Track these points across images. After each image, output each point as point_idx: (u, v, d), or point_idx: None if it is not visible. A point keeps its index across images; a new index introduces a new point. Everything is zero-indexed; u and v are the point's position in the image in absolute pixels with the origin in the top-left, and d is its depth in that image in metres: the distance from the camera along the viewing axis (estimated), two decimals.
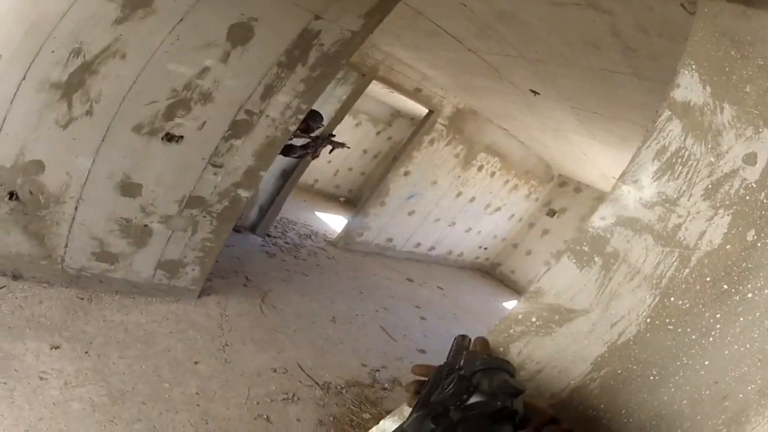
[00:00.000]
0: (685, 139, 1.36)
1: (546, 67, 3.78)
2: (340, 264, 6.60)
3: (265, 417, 2.85)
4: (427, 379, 1.01)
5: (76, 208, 2.93)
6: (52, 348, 2.56)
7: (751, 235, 1.22)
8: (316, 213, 9.07)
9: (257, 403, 2.95)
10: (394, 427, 1.68)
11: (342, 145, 5.66)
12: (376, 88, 6.49)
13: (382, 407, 3.58)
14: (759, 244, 1.21)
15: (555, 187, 10.23)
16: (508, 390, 0.80)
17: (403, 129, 11.39)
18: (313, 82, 3.40)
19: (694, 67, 1.42)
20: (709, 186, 1.29)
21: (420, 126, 7.22)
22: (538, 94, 4.70)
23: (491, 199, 9.30)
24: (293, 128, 3.60)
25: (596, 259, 1.42)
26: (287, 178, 5.78)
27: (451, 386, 0.83)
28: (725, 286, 1.23)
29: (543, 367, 1.42)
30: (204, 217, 3.51)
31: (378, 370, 4.13)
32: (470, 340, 1.24)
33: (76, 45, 2.39)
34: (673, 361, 1.24)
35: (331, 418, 3.15)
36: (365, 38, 3.41)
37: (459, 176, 8.28)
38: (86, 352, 2.65)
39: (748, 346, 1.17)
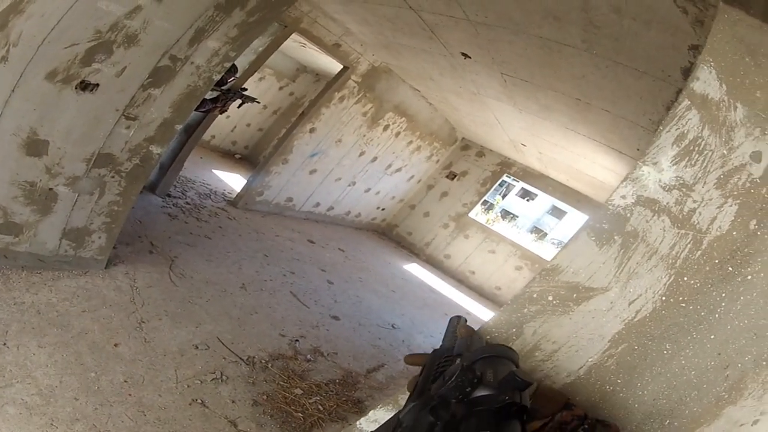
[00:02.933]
0: (702, 129, 1.52)
1: (489, 31, 3.89)
2: (241, 225, 6.50)
3: (200, 402, 2.81)
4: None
5: None
6: None
7: (753, 224, 1.43)
8: (213, 171, 8.72)
9: (188, 386, 2.90)
10: (388, 416, 1.72)
11: (253, 100, 5.36)
12: (287, 42, 6.22)
13: (311, 380, 3.69)
14: (759, 233, 1.42)
15: (457, 150, 10.76)
16: (516, 383, 0.76)
17: (307, 85, 11.07)
18: (248, 28, 3.18)
19: (712, 64, 1.58)
20: (721, 176, 1.47)
21: (332, 82, 7.08)
22: (469, 57, 4.84)
23: (393, 160, 9.51)
24: (217, 78, 3.38)
25: (616, 237, 1.55)
26: (191, 133, 5.34)
27: (453, 378, 0.80)
28: (730, 268, 1.43)
29: (560, 346, 1.53)
30: (112, 177, 3.19)
31: (297, 340, 4.23)
32: (465, 321, 1.21)
33: None
34: (684, 336, 1.43)
35: (265, 397, 3.19)
36: None
37: (364, 135, 8.32)
38: (4, 344, 2.48)
39: (746, 321, 1.39)
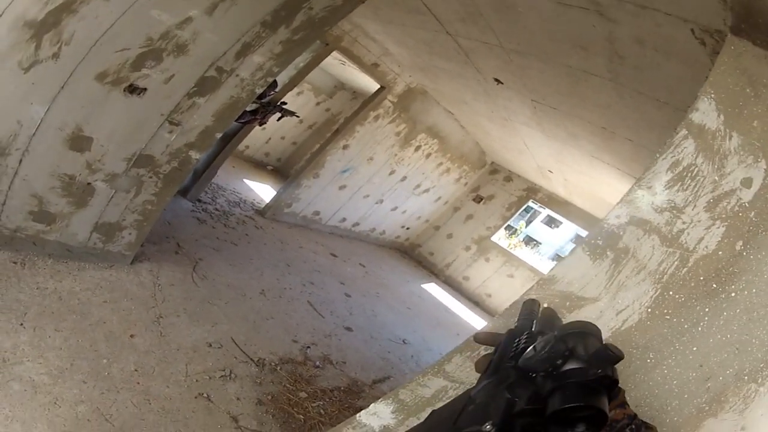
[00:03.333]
0: (696, 157, 1.65)
1: (521, 59, 4.06)
2: (267, 234, 6.68)
3: (206, 396, 2.92)
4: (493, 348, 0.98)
5: (20, 162, 2.69)
6: None
7: (739, 245, 1.54)
8: (245, 180, 9.00)
9: (196, 380, 3.01)
10: (388, 410, 1.81)
11: (293, 113, 5.60)
12: (327, 59, 6.52)
13: (316, 385, 3.77)
14: (744, 254, 1.53)
15: (486, 174, 10.88)
16: (608, 357, 0.74)
17: (343, 102, 11.37)
18: (292, 45, 3.37)
19: (713, 95, 1.71)
20: (711, 200, 1.59)
21: (368, 100, 7.33)
22: (501, 83, 5.01)
23: (422, 180, 9.68)
24: (260, 91, 3.57)
25: (608, 252, 1.68)
26: (227, 142, 5.61)
27: (546, 349, 0.77)
28: (714, 285, 1.54)
29: None
30: (150, 177, 3.38)
31: (309, 347, 4.32)
32: (540, 304, 1.21)
33: None
34: (667, 346, 1.54)
35: (269, 397, 3.29)
36: (354, 8, 3.42)
37: (396, 155, 8.53)
38: (21, 324, 2.57)
39: (728, 336, 1.49)
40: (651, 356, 1.55)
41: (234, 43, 3.08)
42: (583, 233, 24.04)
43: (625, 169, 5.19)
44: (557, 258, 29.06)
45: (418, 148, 8.79)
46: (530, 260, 12.20)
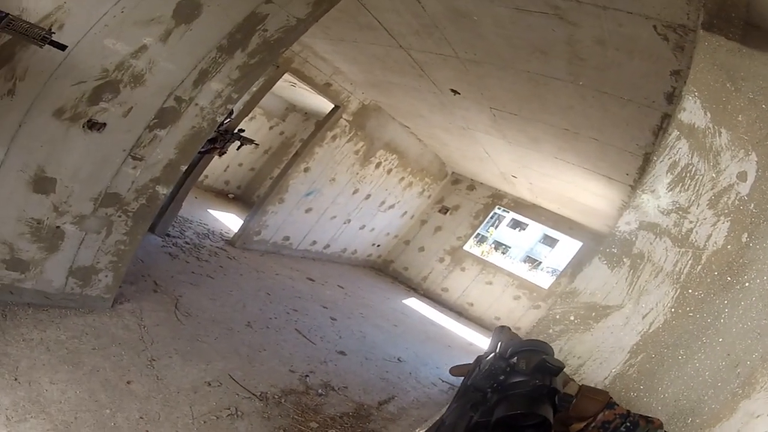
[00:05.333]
0: (692, 157, 1.74)
1: (478, 68, 4.17)
2: (241, 264, 6.63)
3: None
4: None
5: None
6: None
7: (744, 237, 1.63)
8: (209, 210, 8.88)
9: (204, 422, 2.96)
10: None
11: (251, 141, 5.53)
12: (277, 82, 6.53)
13: (324, 414, 3.74)
14: (751, 245, 1.63)
15: (448, 185, 11.05)
16: (547, 368, 0.83)
17: (296, 124, 11.39)
18: (249, 69, 3.35)
19: (696, 94, 1.82)
20: (713, 197, 1.68)
21: (324, 121, 7.36)
22: (459, 93, 5.12)
23: (386, 197, 9.75)
24: (221, 119, 3.51)
25: (625, 260, 1.74)
26: (188, 174, 5.49)
27: (486, 367, 0.86)
28: (729, 278, 1.62)
29: (585, 360, 1.70)
30: (119, 216, 3.28)
31: (307, 376, 4.28)
32: (508, 329, 1.33)
33: (17, 12, 2.09)
34: (695, 341, 1.61)
35: (281, 431, 3.24)
36: (308, 27, 3.45)
37: (357, 173, 8.57)
38: (15, 379, 2.49)
39: (749, 323, 1.57)
40: (681, 353, 1.62)
41: (191, 71, 3.04)
42: (552, 233, 24.70)
43: (591, 168, 5.38)
44: (528, 260, 29.73)
45: (378, 164, 8.85)
46: (505, 265, 12.42)
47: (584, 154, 4.99)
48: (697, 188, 1.72)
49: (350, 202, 8.97)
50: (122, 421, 2.61)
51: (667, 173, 1.78)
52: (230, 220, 8.91)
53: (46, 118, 2.58)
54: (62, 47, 2.25)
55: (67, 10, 2.28)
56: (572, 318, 1.76)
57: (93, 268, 3.36)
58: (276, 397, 3.65)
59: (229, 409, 3.21)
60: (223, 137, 5.11)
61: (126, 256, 3.50)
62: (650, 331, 1.68)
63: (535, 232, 30.94)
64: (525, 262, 28.85)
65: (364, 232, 10.09)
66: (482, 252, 17.49)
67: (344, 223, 9.27)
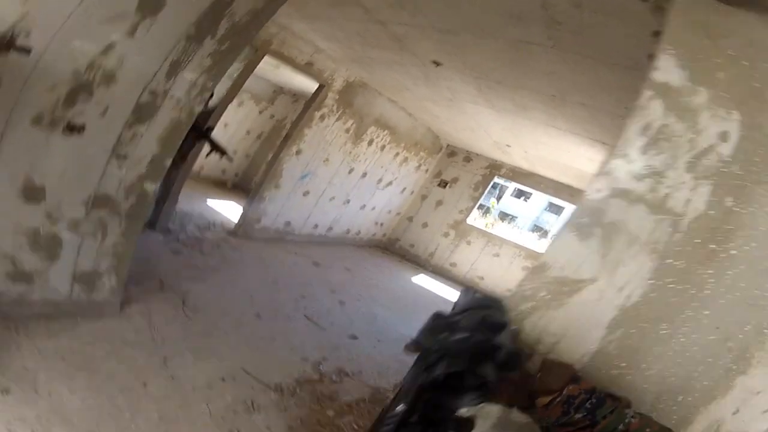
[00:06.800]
0: (667, 117, 1.59)
1: (456, 38, 4.00)
2: (245, 254, 6.54)
3: (237, 431, 2.87)
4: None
5: None
6: (2, 393, 2.42)
7: (729, 201, 1.49)
8: (207, 202, 8.76)
9: (222, 418, 2.95)
10: None
11: (223, 152, 5.37)
12: (260, 65, 6.34)
13: (341, 401, 3.69)
14: (736, 209, 1.49)
15: (444, 158, 10.85)
16: (487, 325, 0.79)
17: (286, 106, 11.18)
18: (221, 56, 3.24)
19: (672, 51, 1.65)
20: (691, 159, 1.54)
21: (311, 101, 7.16)
22: (441, 64, 4.93)
23: (383, 174, 9.59)
24: (199, 109, 3.42)
25: (596, 230, 1.61)
26: (180, 166, 5.38)
27: (428, 325, 0.79)
28: (713, 246, 1.49)
29: (560, 338, 1.58)
30: (112, 218, 3.25)
31: (320, 363, 4.22)
32: (474, 291, 1.27)
33: None
34: (678, 314, 1.48)
35: (299, 421, 3.21)
36: (277, 8, 3.32)
37: (350, 152, 8.40)
38: (36, 392, 2.51)
39: (738, 294, 1.45)
40: (664, 327, 1.50)
41: (162, 63, 2.95)
42: (555, 201, 24.35)
43: (583, 134, 5.21)
44: (536, 229, 29.47)
45: (371, 141, 8.67)
46: (511, 236, 12.27)
47: (574, 119, 4.82)
48: (673, 151, 1.58)
49: (347, 182, 8.82)
50: (143, 423, 2.64)
51: (639, 135, 1.63)
52: (230, 209, 8.80)
53: (26, 127, 2.53)
54: (27, 51, 2.22)
55: (32, 17, 2.20)
56: (543, 294, 1.64)
57: (95, 273, 3.35)
58: (291, 387, 3.63)
59: (245, 403, 3.21)
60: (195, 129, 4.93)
61: (125, 256, 3.48)
62: (628, 305, 1.56)
63: (540, 201, 30.54)
64: (533, 231, 28.58)
65: (366, 212, 9.96)
66: (487, 224, 17.29)
67: (344, 203, 9.14)
